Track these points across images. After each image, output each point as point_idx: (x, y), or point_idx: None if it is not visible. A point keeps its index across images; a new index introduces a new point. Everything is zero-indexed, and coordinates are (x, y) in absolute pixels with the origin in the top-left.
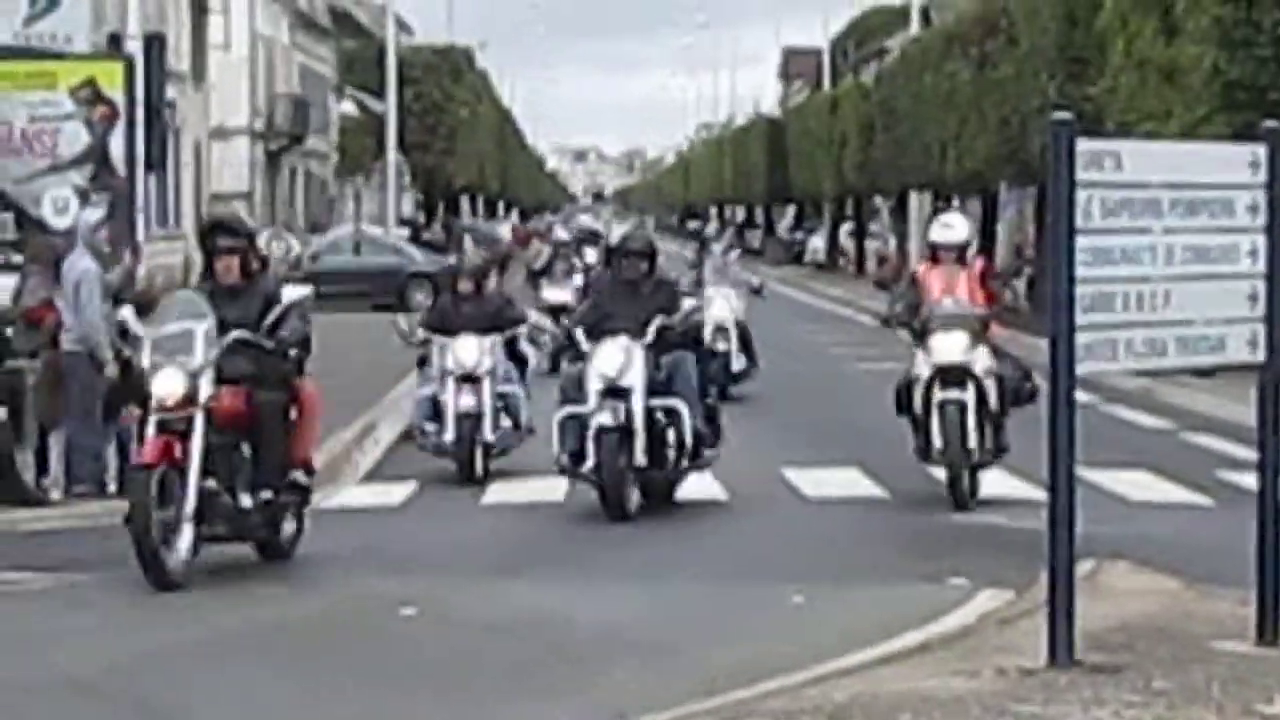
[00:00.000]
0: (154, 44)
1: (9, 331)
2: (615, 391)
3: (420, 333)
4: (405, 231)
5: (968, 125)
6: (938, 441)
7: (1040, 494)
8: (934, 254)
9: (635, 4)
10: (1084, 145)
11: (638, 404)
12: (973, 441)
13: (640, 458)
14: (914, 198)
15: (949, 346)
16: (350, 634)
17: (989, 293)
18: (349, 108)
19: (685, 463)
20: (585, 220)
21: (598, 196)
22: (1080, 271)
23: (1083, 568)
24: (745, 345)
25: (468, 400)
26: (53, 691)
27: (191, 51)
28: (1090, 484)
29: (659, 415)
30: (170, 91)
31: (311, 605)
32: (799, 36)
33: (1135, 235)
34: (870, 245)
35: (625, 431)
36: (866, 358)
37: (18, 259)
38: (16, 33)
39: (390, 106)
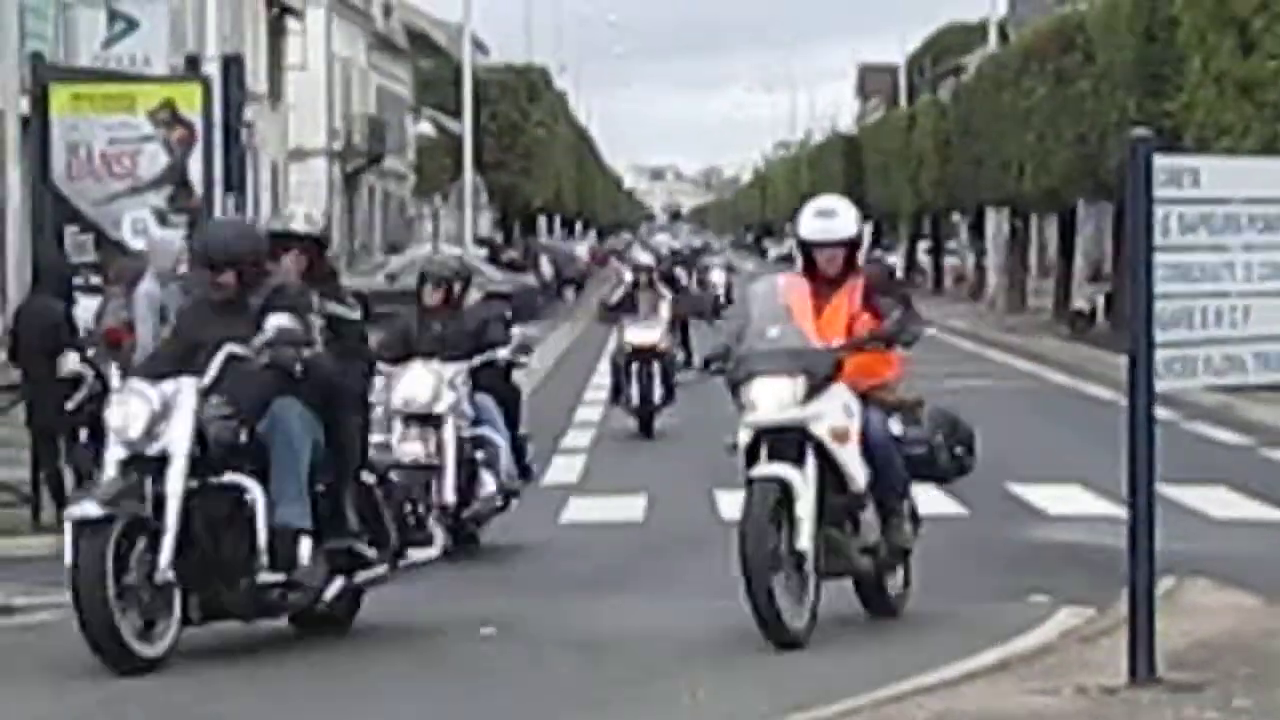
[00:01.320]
0: (232, 65)
1: (91, 353)
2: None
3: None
4: (483, 251)
5: (1045, 142)
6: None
7: (1120, 511)
8: (807, 258)
9: (713, 23)
10: (1162, 161)
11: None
12: (803, 542)
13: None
14: (991, 215)
15: (765, 399)
16: (428, 653)
17: (875, 313)
18: (426, 128)
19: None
20: (662, 239)
21: (675, 215)
22: (1159, 288)
23: (1163, 585)
24: None
25: (414, 448)
26: (136, 712)
27: (269, 73)
28: (1170, 501)
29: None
30: (248, 113)
31: (387, 624)
32: (876, 54)
33: (1214, 251)
34: (948, 262)
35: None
36: (946, 375)
37: (97, 280)
38: (95, 55)
39: (467, 126)
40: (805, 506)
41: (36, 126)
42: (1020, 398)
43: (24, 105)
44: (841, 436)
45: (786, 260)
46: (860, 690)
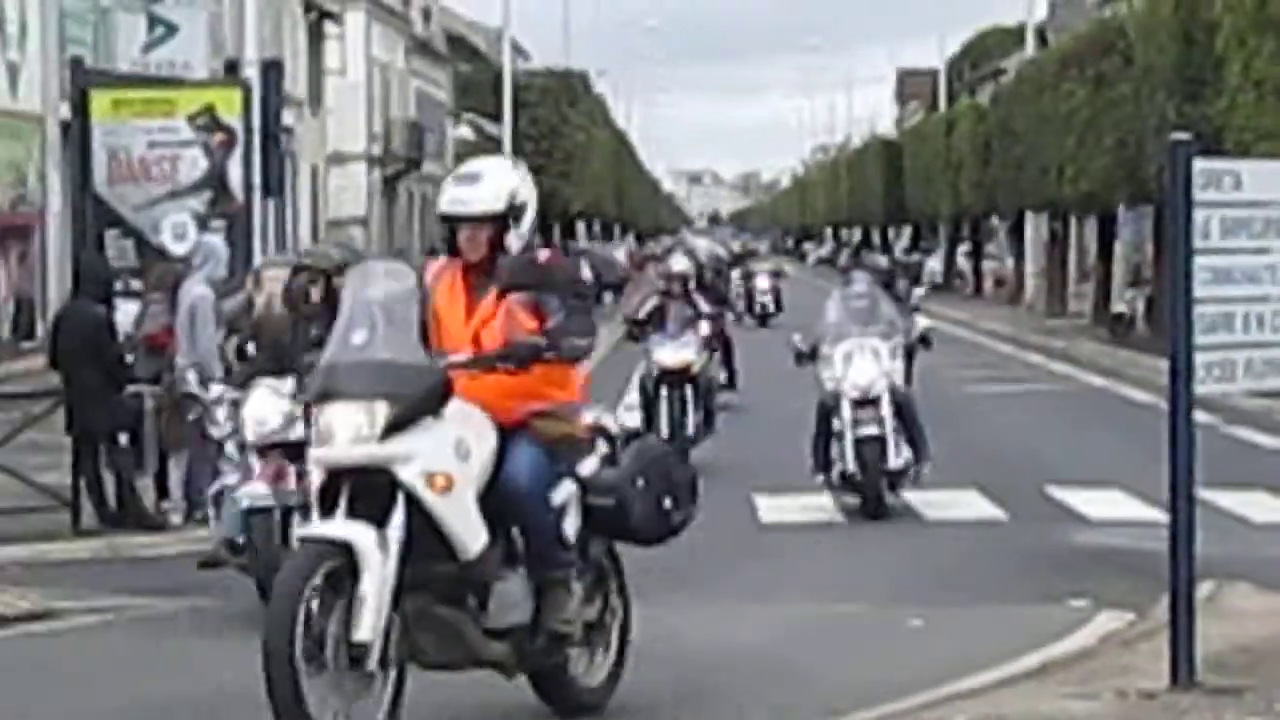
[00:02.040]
0: (271, 70)
1: (131, 358)
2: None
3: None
4: None
5: (1084, 145)
6: None
7: (1160, 515)
8: (452, 239)
9: (751, 28)
10: (1202, 165)
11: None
12: (363, 633)
13: None
14: (1030, 218)
15: (339, 428)
16: None
17: (541, 318)
18: (465, 132)
19: None
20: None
21: (714, 220)
22: (1199, 291)
23: (1203, 589)
24: None
25: (259, 490)
26: (176, 716)
27: (308, 78)
28: (1210, 505)
29: None
30: (287, 117)
31: None
32: (915, 58)
33: (1254, 255)
34: (987, 266)
35: None
36: (984, 379)
37: (138, 285)
38: (135, 61)
39: (506, 131)
40: (371, 582)
41: (77, 132)
42: (1060, 401)
43: (65, 111)
44: (441, 484)
45: (827, 263)
46: (899, 695)
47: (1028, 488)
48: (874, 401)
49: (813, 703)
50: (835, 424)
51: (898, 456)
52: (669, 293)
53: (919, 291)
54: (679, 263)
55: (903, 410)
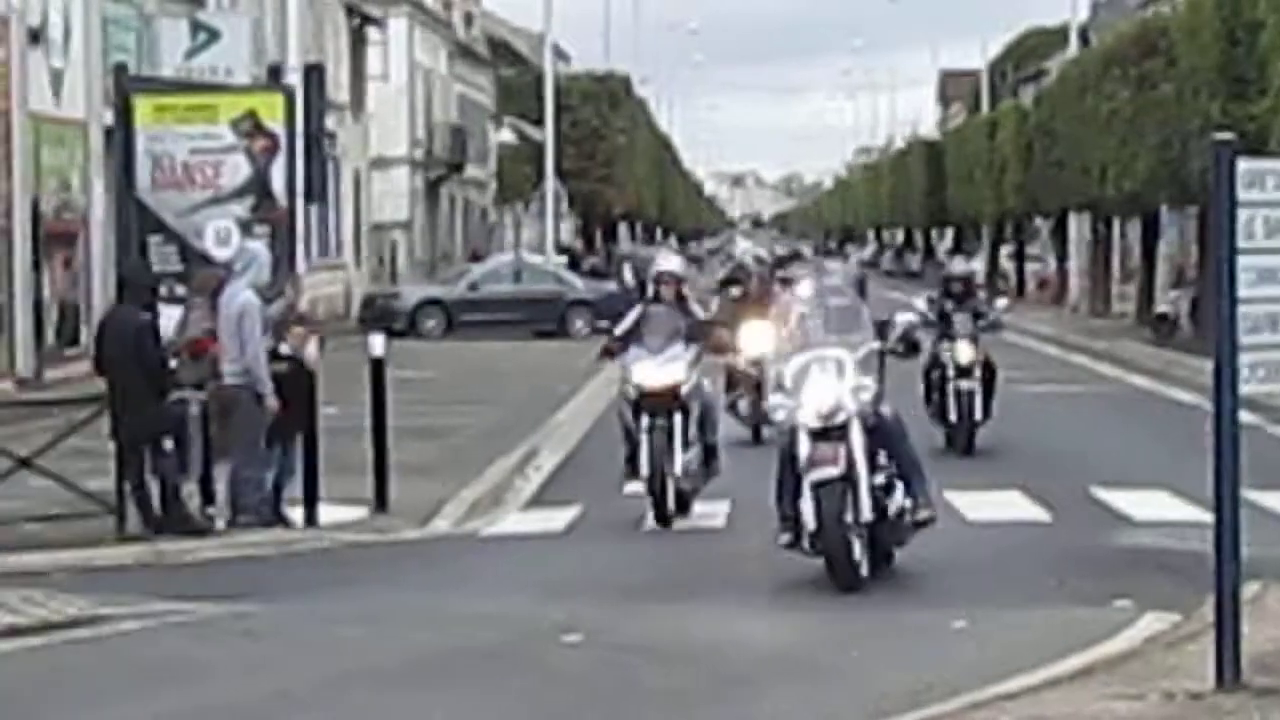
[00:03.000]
0: (313, 75)
1: (174, 363)
2: None
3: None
4: (564, 259)
5: (1127, 146)
6: None
7: (1205, 516)
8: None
9: (793, 30)
10: (1245, 165)
11: None
12: None
13: None
14: (1074, 219)
15: None
16: (515, 661)
17: None
18: (507, 136)
19: None
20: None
21: (756, 222)
22: (1243, 292)
23: (1249, 590)
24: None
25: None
26: (203, 714)
27: (351, 82)
28: (1255, 506)
29: None
30: (330, 122)
31: (475, 633)
32: (957, 59)
33: None
34: (1030, 267)
35: None
36: (1028, 380)
37: (181, 290)
38: (178, 66)
39: (549, 134)
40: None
41: (120, 137)
42: (1104, 402)
43: (108, 116)
44: None
45: (870, 266)
46: (944, 696)
47: (1072, 488)
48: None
49: (856, 704)
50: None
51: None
52: (657, 295)
53: (1001, 304)
54: (666, 260)
55: (883, 439)
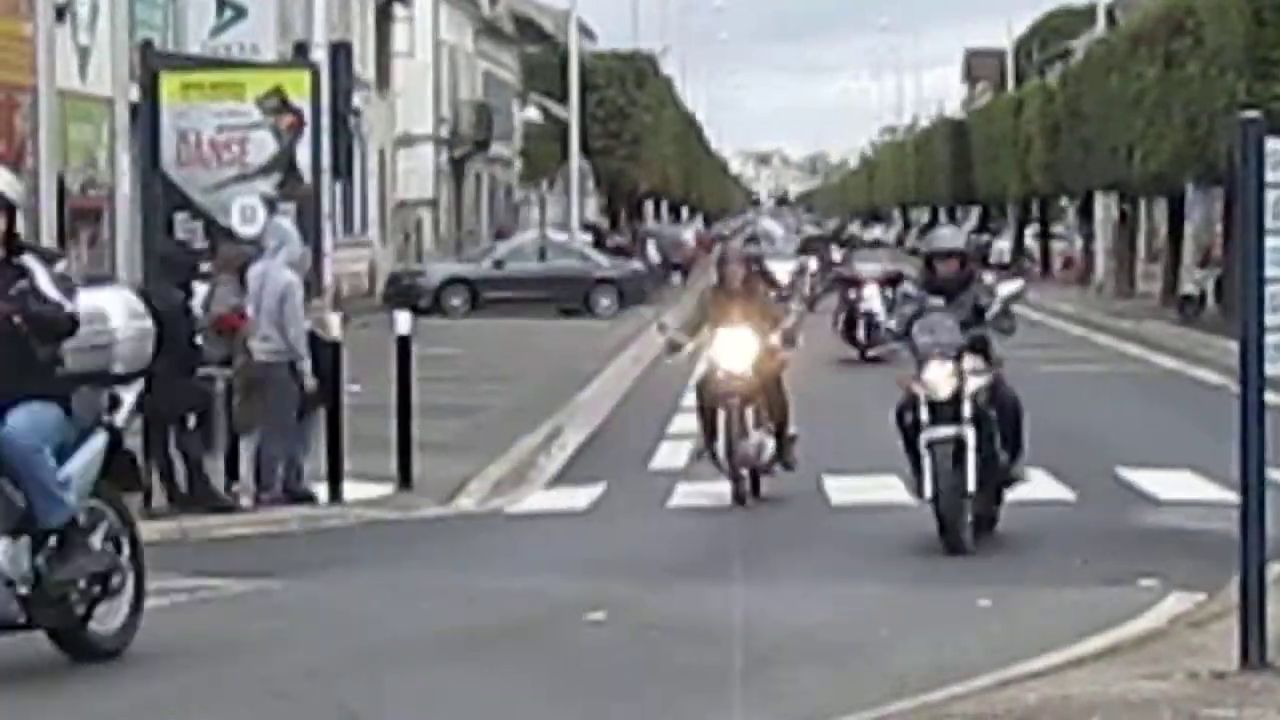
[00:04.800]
0: (339, 52)
1: (200, 339)
2: None
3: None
4: (589, 236)
5: (1154, 125)
6: None
7: (1230, 496)
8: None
9: (819, 9)
10: (1273, 144)
11: None
12: None
13: None
14: (1099, 199)
15: None
16: (539, 639)
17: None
18: (533, 114)
19: None
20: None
21: (781, 200)
22: (1270, 272)
23: (1274, 570)
24: None
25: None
26: (249, 696)
27: (376, 59)
28: None
29: None
30: (356, 99)
31: (500, 610)
32: (983, 39)
33: None
34: (1056, 247)
35: None
36: (1053, 360)
37: (207, 267)
38: (204, 43)
39: (574, 112)
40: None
41: (147, 114)
42: (1129, 382)
43: (134, 93)
44: None
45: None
46: (969, 675)
47: (1097, 468)
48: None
49: (881, 683)
50: None
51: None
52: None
53: (1010, 287)
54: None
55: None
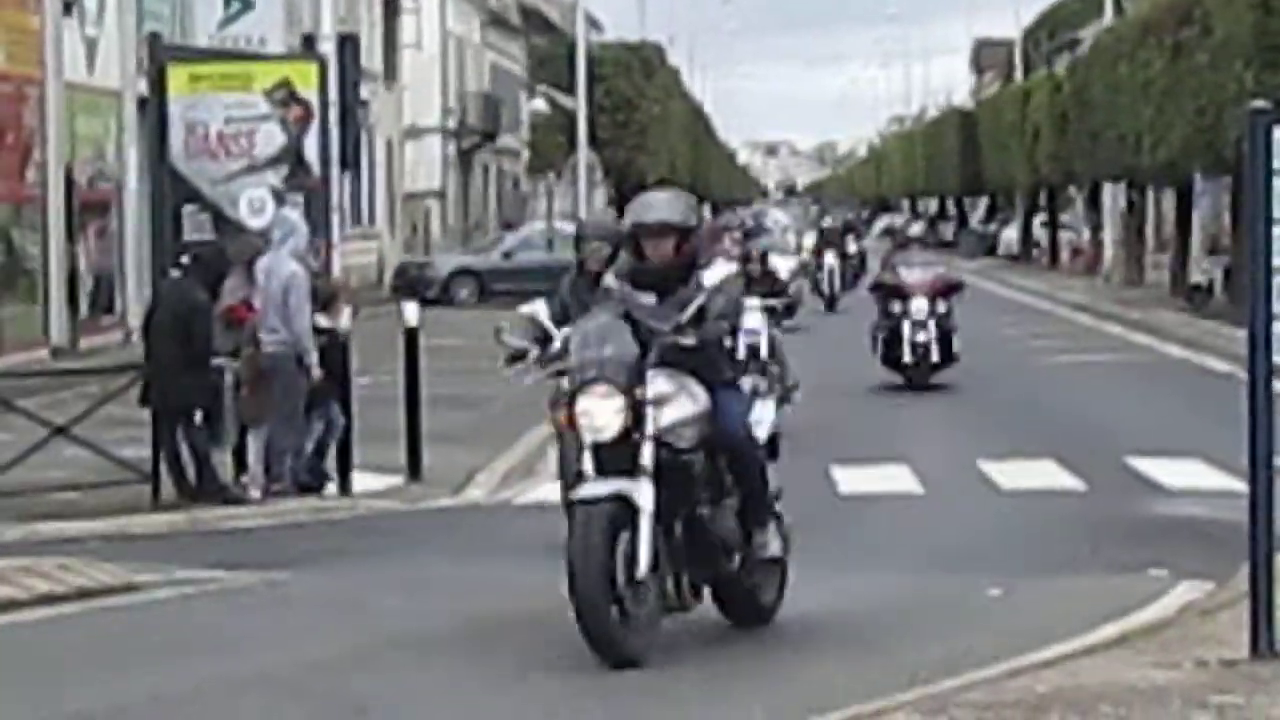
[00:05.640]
0: (347, 44)
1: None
2: None
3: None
4: None
5: (1162, 115)
6: None
7: (1240, 485)
8: None
9: None
10: None
11: None
12: None
13: None
14: (1108, 188)
15: None
16: (549, 630)
17: None
18: (540, 105)
19: None
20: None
21: (790, 191)
22: (1278, 261)
23: None
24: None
25: None
26: (258, 689)
27: (384, 51)
28: None
29: None
30: (363, 91)
31: (509, 601)
32: (991, 28)
33: None
34: (1064, 236)
35: None
36: (1062, 350)
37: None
38: (212, 35)
39: (581, 103)
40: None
41: (154, 106)
42: (1138, 372)
43: (142, 85)
44: None
45: (888, 234)
46: (979, 664)
47: (1106, 458)
48: None
49: (893, 672)
50: None
51: None
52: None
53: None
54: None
55: None
